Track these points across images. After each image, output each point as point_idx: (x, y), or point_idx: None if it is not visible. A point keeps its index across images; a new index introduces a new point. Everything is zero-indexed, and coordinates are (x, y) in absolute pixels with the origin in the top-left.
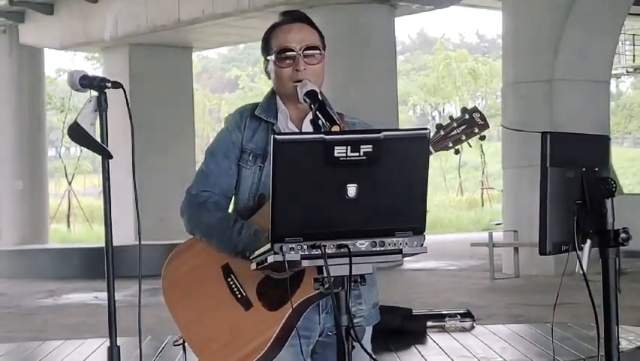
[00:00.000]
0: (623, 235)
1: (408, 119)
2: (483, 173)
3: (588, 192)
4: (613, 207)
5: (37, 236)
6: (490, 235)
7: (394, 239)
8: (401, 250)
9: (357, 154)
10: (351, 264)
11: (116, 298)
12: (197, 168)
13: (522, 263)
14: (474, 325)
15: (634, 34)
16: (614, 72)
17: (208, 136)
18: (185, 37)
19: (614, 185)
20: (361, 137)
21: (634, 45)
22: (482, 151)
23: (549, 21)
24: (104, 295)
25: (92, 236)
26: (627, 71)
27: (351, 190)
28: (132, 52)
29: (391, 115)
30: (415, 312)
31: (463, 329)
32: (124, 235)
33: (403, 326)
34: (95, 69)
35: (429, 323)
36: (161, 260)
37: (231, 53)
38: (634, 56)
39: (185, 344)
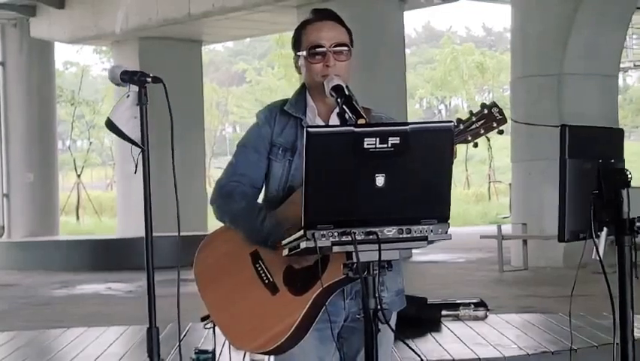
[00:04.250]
0: (638, 224)
1: (415, 112)
2: (490, 167)
3: (604, 182)
4: (629, 197)
5: (47, 228)
6: (499, 228)
7: (420, 226)
8: (426, 236)
9: (385, 145)
10: (380, 250)
11: (129, 289)
12: (207, 161)
13: (531, 256)
14: (487, 314)
15: None
16: (621, 66)
17: (216, 129)
18: (195, 30)
19: (629, 175)
20: (389, 129)
21: None
22: (489, 145)
23: (558, 15)
24: (117, 285)
25: (100, 228)
26: (635, 65)
27: (380, 180)
28: (142, 45)
29: (401, 108)
30: (429, 301)
31: (477, 318)
32: (136, 228)
33: (418, 315)
34: (102, 62)
35: (443, 312)
36: (170, 251)
37: (237, 46)
38: None
39: (215, 326)
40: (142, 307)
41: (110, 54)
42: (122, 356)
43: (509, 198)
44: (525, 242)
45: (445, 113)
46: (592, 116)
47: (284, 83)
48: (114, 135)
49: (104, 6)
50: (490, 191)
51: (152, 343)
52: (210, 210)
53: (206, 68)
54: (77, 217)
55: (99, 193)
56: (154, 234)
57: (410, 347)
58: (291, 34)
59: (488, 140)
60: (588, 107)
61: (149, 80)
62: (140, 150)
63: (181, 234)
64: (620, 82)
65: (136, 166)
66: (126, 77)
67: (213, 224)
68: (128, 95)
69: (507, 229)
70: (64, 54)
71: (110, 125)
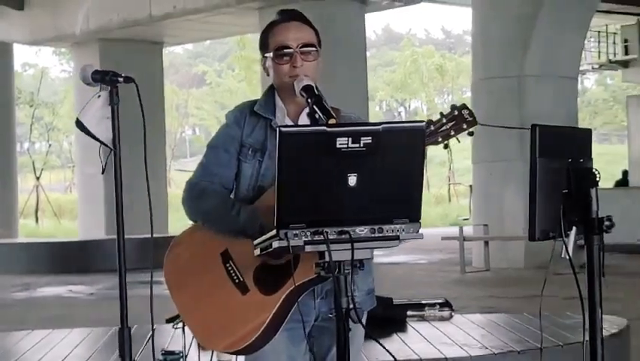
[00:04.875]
0: (607, 223)
1: (375, 114)
2: (450, 169)
3: (574, 181)
4: (597, 197)
5: (6, 231)
6: (461, 229)
7: (392, 226)
8: (398, 235)
9: (357, 145)
10: (353, 249)
11: (91, 291)
12: (168, 163)
13: (492, 257)
14: (452, 314)
15: (599, 31)
16: (579, 69)
17: (176, 131)
18: (156, 32)
19: (598, 175)
20: (361, 129)
21: (599, 42)
22: (449, 147)
23: (519, 17)
24: (79, 288)
25: (60, 231)
26: (592, 68)
27: (352, 179)
28: (103, 47)
29: (362, 111)
30: (395, 301)
31: (442, 318)
32: (96, 230)
33: (384, 315)
34: (61, 64)
35: (409, 312)
36: (131, 253)
37: (197, 48)
38: (599, 52)
39: (185, 326)
40: (104, 310)
41: (69, 56)
42: (89, 358)
43: (469, 199)
44: (486, 243)
45: (404, 116)
46: (552, 118)
47: (244, 86)
48: (74, 137)
49: (64, 7)
50: (450, 193)
51: (123, 343)
52: (171, 212)
53: (166, 70)
54: (37, 220)
55: (58, 196)
56: (113, 236)
57: (384, 347)
58: (252, 36)
59: (458, 141)
60: (548, 108)
61: (121, 80)
62: (107, 150)
63: (141, 236)
64: (579, 85)
65: (104, 167)
66: (97, 77)
67: (176, 227)
68: (99, 95)
69: (468, 230)
70: (22, 56)
71: (81, 126)
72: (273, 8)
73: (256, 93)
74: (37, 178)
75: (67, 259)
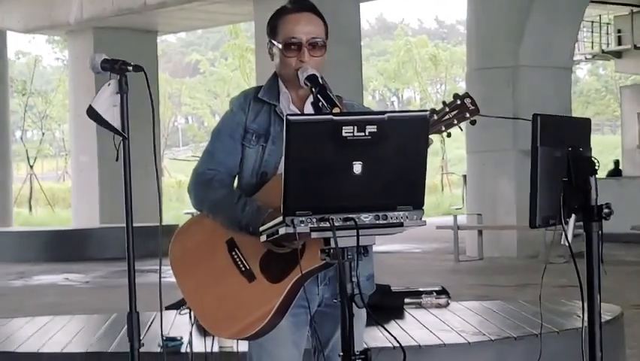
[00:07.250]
0: (606, 210)
1: (368, 104)
2: (443, 158)
3: (574, 169)
4: (597, 185)
5: (0, 220)
6: (455, 219)
7: (396, 213)
8: (402, 222)
9: (363, 134)
10: (358, 235)
11: (86, 279)
12: (161, 153)
13: (485, 246)
14: (449, 301)
15: (592, 22)
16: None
17: (169, 120)
18: (150, 21)
19: (597, 164)
20: (367, 118)
21: (592, 32)
22: (442, 136)
23: (513, 7)
24: (74, 276)
25: (54, 219)
26: (585, 58)
27: (357, 167)
28: (97, 35)
29: (357, 100)
30: (393, 289)
31: (439, 306)
32: (90, 219)
33: (381, 302)
34: (54, 52)
35: (406, 300)
36: (124, 242)
37: (190, 37)
38: (592, 43)
39: (191, 312)
40: (100, 297)
41: (63, 44)
42: (91, 344)
43: (462, 189)
44: (480, 232)
45: (397, 105)
46: (546, 108)
47: (238, 74)
48: (67, 126)
49: None
50: (442, 182)
51: (132, 327)
52: (164, 201)
53: (159, 59)
54: (30, 208)
55: (52, 184)
56: (110, 225)
57: (389, 332)
58: (244, 25)
59: (461, 130)
60: (542, 99)
61: (130, 68)
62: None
63: (137, 225)
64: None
65: (117, 154)
66: (107, 66)
67: (169, 215)
68: (109, 84)
69: (461, 219)
70: (15, 43)
71: (94, 114)
72: None
73: (250, 82)
74: (31, 167)
75: (62, 247)
